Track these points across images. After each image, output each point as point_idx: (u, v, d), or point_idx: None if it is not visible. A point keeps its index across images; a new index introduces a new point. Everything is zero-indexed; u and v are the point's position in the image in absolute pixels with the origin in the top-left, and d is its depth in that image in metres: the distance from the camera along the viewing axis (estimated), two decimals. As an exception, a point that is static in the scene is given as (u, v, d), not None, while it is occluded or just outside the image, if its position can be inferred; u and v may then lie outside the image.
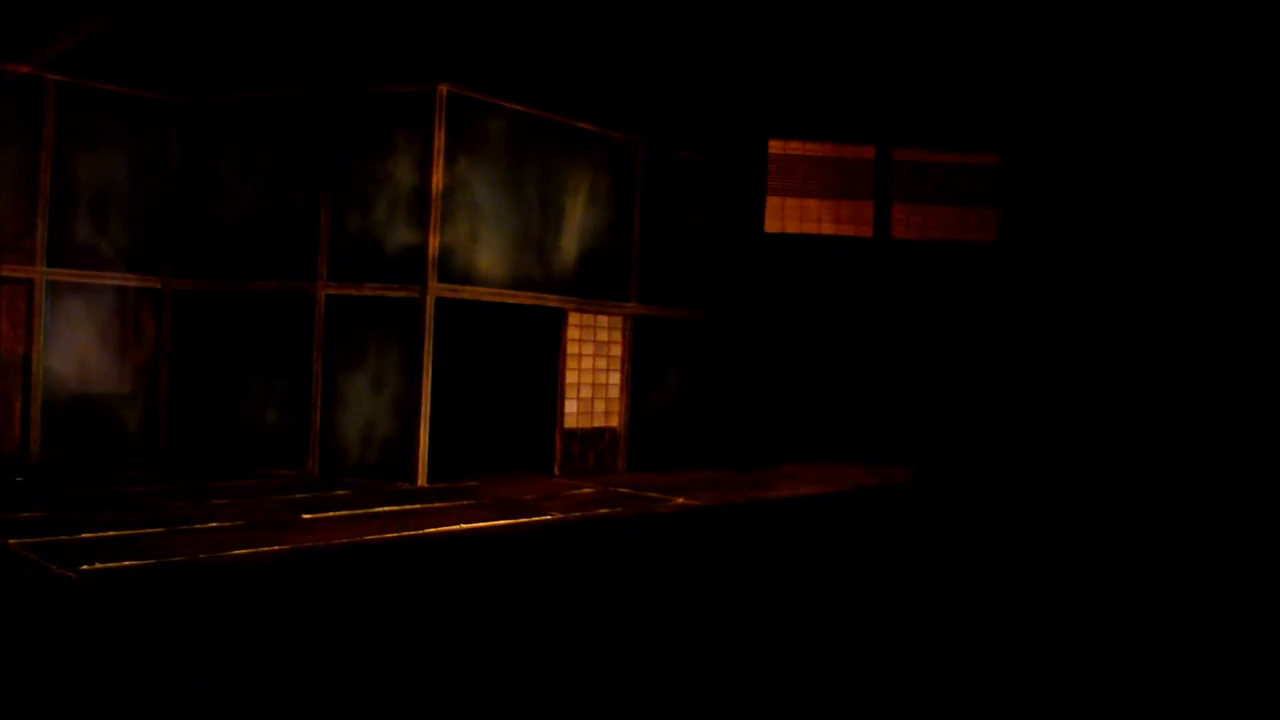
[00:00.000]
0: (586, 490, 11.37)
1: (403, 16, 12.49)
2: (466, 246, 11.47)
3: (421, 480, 11.01)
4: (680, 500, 10.98)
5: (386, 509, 9.46)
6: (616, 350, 13.25)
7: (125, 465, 11.62)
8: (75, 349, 11.29)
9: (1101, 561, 8.72)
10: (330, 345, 11.40)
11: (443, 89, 11.10)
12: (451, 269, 11.25)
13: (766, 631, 5.97)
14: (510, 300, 11.87)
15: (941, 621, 6.39)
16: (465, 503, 10.05)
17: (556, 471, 12.47)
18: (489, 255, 11.70)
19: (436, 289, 11.04)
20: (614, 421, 13.21)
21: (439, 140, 11.08)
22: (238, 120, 12.09)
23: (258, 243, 11.83)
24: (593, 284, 12.85)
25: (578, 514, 9.81)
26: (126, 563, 6.82)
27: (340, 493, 10.30)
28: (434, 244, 11.04)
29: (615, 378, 13.23)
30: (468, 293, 11.41)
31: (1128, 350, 15.48)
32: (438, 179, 11.06)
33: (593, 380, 12.91)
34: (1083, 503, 12.42)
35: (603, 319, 13.01)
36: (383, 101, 11.39)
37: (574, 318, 12.59)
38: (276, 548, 7.53)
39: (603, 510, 10.07)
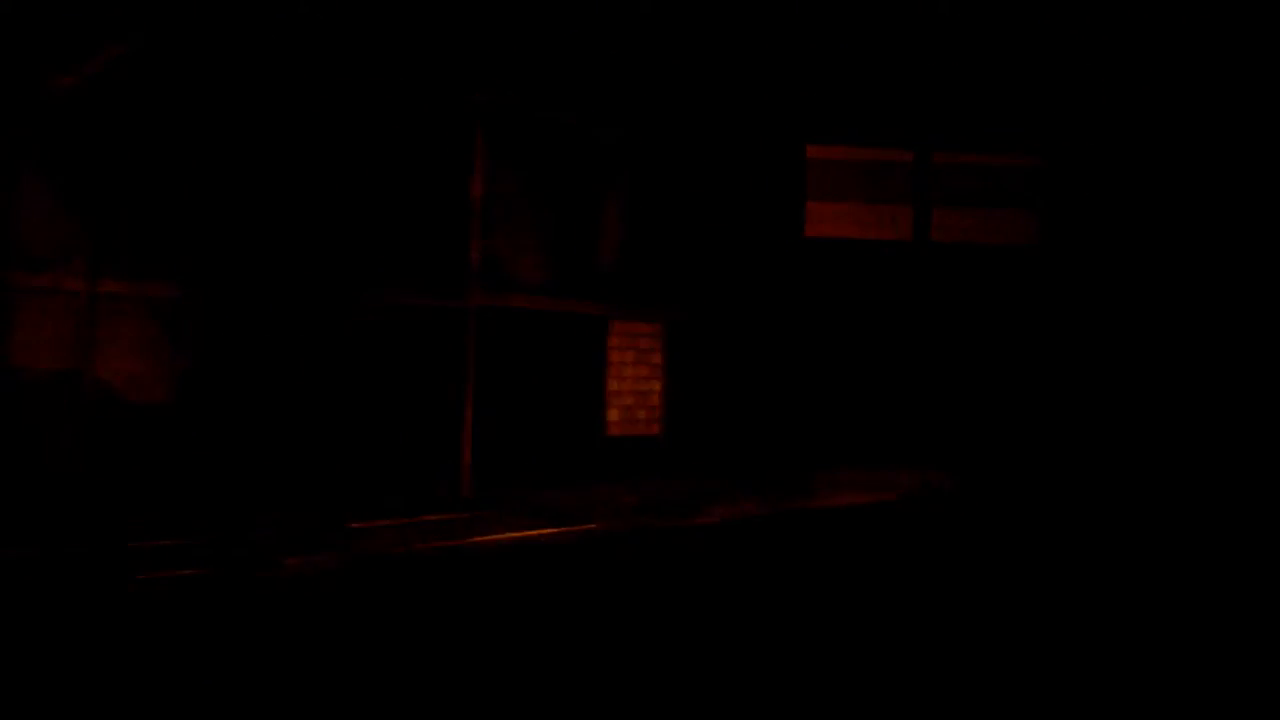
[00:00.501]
0: (629, 499, 11.31)
1: (439, 25, 12.52)
2: (508, 256, 11.47)
3: (466, 490, 11.00)
4: (723, 509, 10.91)
5: (433, 518, 9.45)
6: (657, 358, 13.20)
7: (172, 477, 11.69)
8: (122, 362, 11.39)
9: (1154, 577, 8.57)
10: (373, 354, 11.42)
11: (481, 98, 11.11)
12: (493, 278, 11.25)
13: (814, 653, 5.89)
14: (552, 309, 11.86)
15: (1000, 645, 6.28)
16: (509, 512, 10.02)
17: (600, 479, 12.43)
18: (531, 264, 11.70)
19: (479, 298, 11.05)
20: (655, 429, 13.16)
21: (479, 149, 11.09)
22: (273, 124, 12.16)
23: (300, 252, 11.89)
24: (634, 292, 12.81)
25: (620, 523, 9.76)
26: (181, 571, 6.85)
27: (386, 502, 10.31)
28: (475, 253, 11.05)
29: (656, 385, 13.17)
30: (510, 302, 11.40)
31: (1173, 355, 15.23)
32: (478, 188, 11.07)
33: (634, 388, 12.86)
34: (1131, 512, 12.21)
35: (644, 326, 12.96)
36: (422, 109, 11.42)
37: (616, 325, 12.56)
38: (328, 557, 7.53)
39: (645, 519, 10.01)
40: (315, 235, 11.85)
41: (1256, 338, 14.81)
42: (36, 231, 11.36)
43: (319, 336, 11.71)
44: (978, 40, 15.30)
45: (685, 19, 13.86)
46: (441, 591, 6.77)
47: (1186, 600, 7.17)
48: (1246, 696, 5.02)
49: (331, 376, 11.60)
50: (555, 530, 9.14)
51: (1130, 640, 6.00)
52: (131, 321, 11.39)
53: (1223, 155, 15.08)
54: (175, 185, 11.91)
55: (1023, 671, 5.34)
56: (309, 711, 4.36)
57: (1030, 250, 15.82)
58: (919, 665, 5.36)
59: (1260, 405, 14.69)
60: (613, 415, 12.55)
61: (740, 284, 14.28)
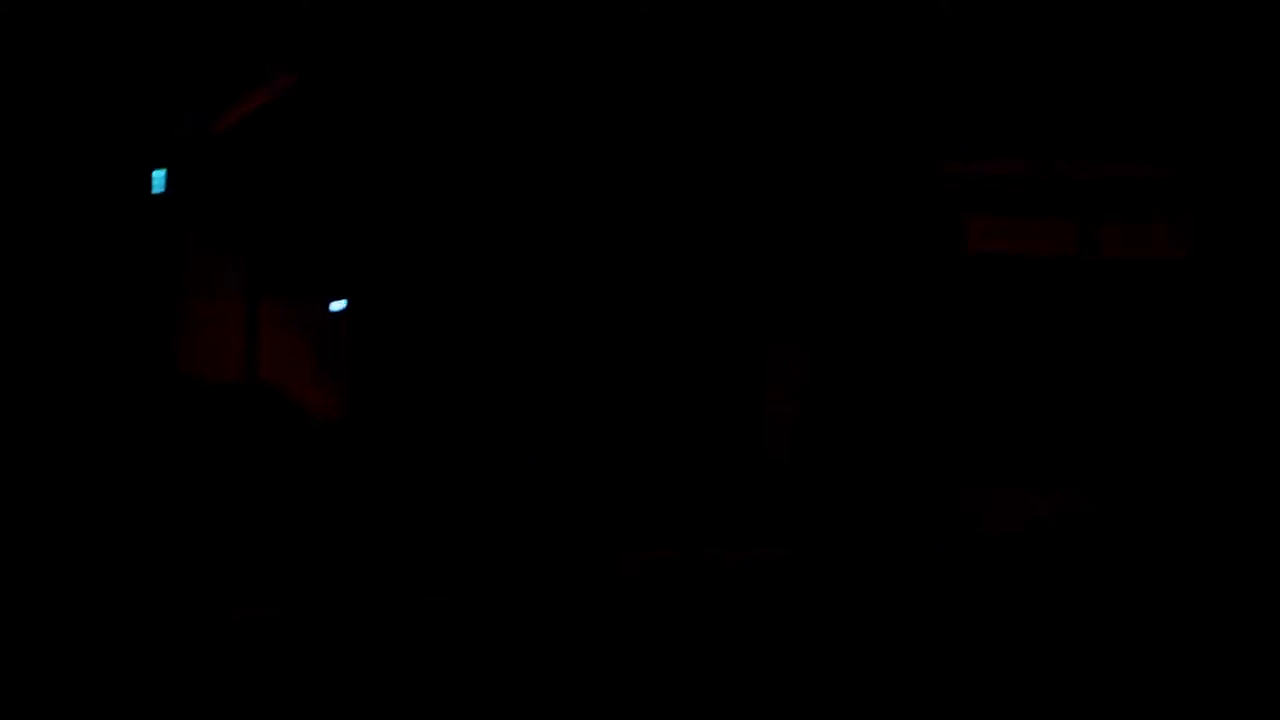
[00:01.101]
0: (783, 526, 11.00)
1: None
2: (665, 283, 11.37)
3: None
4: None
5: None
6: (807, 382, 12.88)
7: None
8: (286, 375, 11.53)
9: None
10: (506, 374, 11.34)
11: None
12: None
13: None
14: (710, 334, 11.75)
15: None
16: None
17: (753, 503, 12.09)
18: (689, 289, 11.59)
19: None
20: (805, 452, 12.79)
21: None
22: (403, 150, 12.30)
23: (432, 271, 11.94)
24: (787, 313, 12.55)
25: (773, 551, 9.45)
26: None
27: (543, 525, 10.18)
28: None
29: (807, 408, 12.82)
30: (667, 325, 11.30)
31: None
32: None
33: (783, 411, 12.56)
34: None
35: (794, 348, 12.68)
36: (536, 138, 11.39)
37: (771, 349, 12.32)
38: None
39: (814, 551, 9.65)
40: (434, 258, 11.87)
41: None
42: (203, 260, 11.74)
43: (456, 355, 11.70)
44: (1143, 48, 14.57)
45: (855, 43, 13.56)
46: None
47: None
48: None
49: (489, 394, 11.55)
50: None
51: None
52: (290, 340, 11.59)
53: None
54: (332, 213, 12.15)
55: None
56: None
57: (1206, 262, 14.82)
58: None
59: None
60: (768, 441, 12.26)
61: (893, 301, 13.71)
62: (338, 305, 12.83)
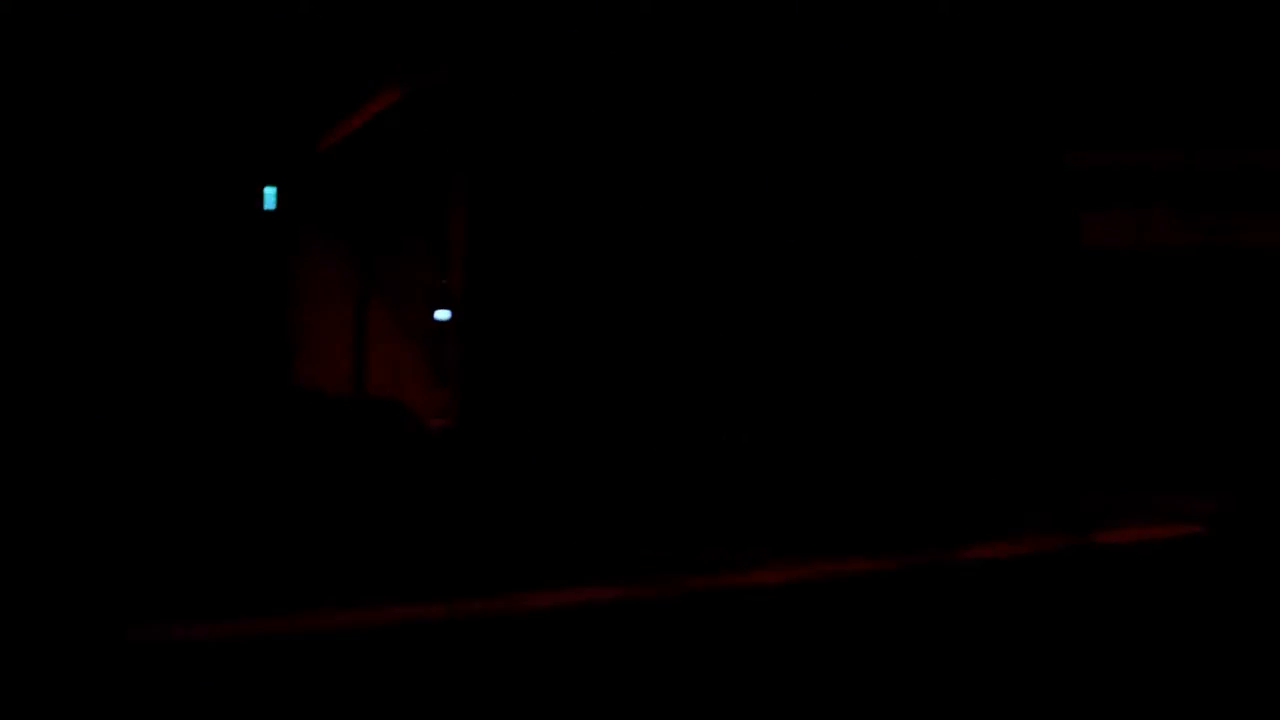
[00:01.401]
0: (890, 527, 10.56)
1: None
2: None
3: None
4: (992, 545, 9.95)
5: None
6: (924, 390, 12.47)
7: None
8: (394, 381, 11.75)
9: None
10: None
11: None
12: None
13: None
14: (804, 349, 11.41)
15: None
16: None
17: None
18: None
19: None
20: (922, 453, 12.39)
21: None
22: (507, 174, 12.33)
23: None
24: (903, 308, 12.21)
25: (891, 560, 9.05)
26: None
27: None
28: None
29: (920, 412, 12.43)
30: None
31: None
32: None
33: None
34: None
35: (909, 351, 12.29)
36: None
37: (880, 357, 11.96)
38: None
39: (914, 557, 9.24)
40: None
41: None
42: (312, 272, 11.99)
43: (566, 366, 11.66)
44: (1251, 30, 13.86)
45: (976, 43, 13.25)
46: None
47: None
48: None
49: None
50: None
51: None
52: (396, 347, 11.75)
53: None
54: (437, 224, 12.28)
55: None
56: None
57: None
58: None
59: None
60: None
61: (1012, 300, 13.29)
62: (442, 314, 13.01)
